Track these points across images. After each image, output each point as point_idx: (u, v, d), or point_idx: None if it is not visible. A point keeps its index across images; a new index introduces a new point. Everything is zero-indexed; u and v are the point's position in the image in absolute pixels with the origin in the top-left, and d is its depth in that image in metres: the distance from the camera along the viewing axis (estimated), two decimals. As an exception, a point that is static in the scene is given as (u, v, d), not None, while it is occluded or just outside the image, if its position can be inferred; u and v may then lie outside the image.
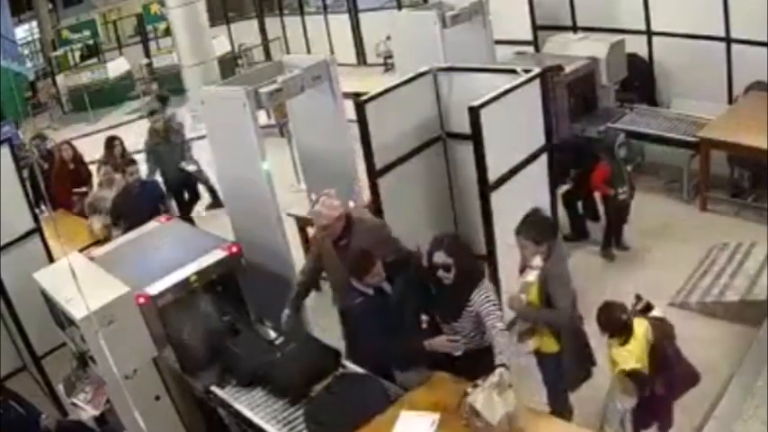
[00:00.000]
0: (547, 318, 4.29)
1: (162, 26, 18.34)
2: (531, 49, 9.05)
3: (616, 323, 4.21)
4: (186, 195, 8.56)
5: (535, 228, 4.31)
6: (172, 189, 8.25)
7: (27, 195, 5.73)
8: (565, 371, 4.42)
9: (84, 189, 8.23)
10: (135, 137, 9.89)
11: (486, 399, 3.54)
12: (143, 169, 8.13)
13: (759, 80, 7.63)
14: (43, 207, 7.89)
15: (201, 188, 8.84)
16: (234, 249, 4.88)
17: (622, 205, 6.70)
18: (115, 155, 8.08)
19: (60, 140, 9.07)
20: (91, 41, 19.33)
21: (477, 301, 4.01)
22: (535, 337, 4.41)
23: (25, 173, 7.41)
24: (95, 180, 8.37)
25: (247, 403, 4.35)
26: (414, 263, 4.59)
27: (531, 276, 4.21)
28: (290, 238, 5.77)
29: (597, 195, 7.00)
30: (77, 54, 19.09)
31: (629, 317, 4.24)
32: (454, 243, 4.11)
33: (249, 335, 4.79)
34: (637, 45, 8.76)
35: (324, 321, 5.57)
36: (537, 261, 4.23)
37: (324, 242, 4.84)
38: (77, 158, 8.48)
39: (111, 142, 8.27)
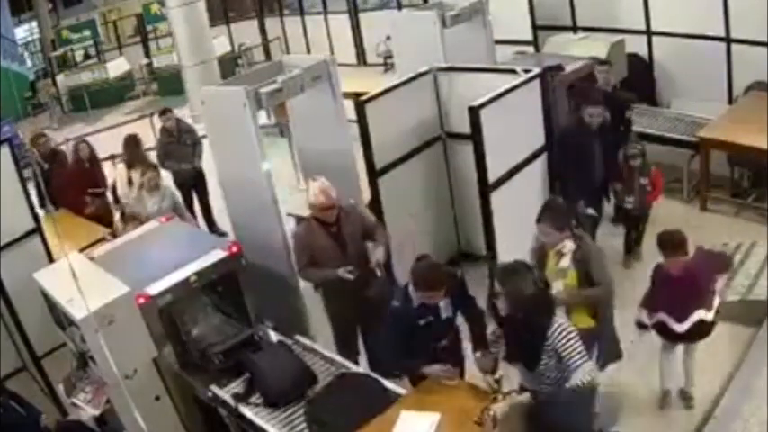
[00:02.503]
0: (595, 294, 4.33)
1: (162, 26, 18.33)
2: (531, 49, 9.05)
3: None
4: (195, 195, 8.46)
5: (556, 214, 4.38)
6: (181, 187, 8.15)
7: (27, 195, 5.71)
8: (602, 347, 4.46)
9: (101, 190, 8.00)
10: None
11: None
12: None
13: (759, 80, 7.63)
14: (51, 207, 7.84)
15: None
16: (234, 249, 4.87)
17: (630, 215, 6.57)
18: (134, 153, 7.77)
19: (77, 138, 8.77)
20: (90, 43, 19.34)
21: (554, 337, 3.62)
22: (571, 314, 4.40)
23: (28, 172, 7.35)
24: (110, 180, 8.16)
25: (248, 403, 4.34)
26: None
27: (565, 261, 4.29)
28: (290, 238, 5.76)
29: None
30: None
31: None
32: (504, 272, 3.79)
33: (274, 350, 4.66)
34: (637, 45, 8.76)
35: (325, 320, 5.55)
36: (569, 245, 4.31)
37: (314, 230, 4.86)
38: (93, 158, 8.24)
39: (131, 140, 7.89)
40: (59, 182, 8.08)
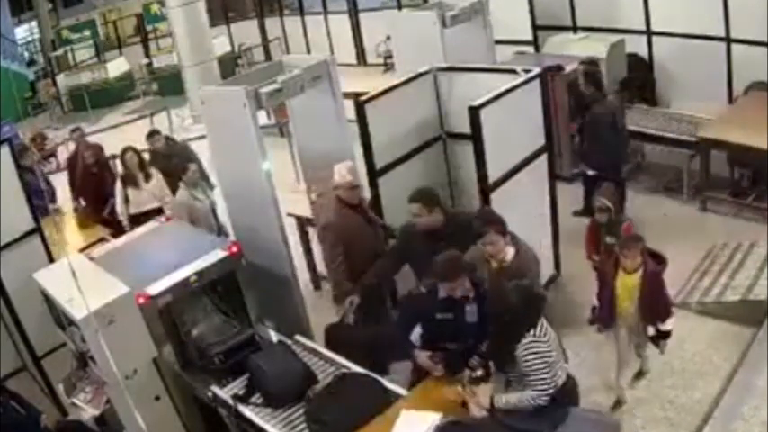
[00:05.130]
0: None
1: (162, 26, 18.34)
2: (531, 49, 9.06)
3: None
4: None
5: (498, 219, 4.35)
6: None
7: (28, 195, 5.71)
8: None
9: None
10: (136, 136, 9.82)
11: None
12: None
13: (759, 80, 7.63)
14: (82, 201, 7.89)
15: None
16: (234, 249, 4.87)
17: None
18: (129, 167, 7.30)
19: (77, 136, 8.57)
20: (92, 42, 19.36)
21: (521, 349, 3.59)
22: None
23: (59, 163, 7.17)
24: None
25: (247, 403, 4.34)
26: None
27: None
28: (290, 238, 5.77)
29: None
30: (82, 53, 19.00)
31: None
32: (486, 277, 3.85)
33: (274, 350, 4.65)
34: (637, 45, 8.76)
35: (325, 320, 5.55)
36: (510, 252, 4.29)
37: (345, 212, 5.11)
38: (100, 163, 8.11)
39: (123, 155, 7.36)
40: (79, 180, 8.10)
